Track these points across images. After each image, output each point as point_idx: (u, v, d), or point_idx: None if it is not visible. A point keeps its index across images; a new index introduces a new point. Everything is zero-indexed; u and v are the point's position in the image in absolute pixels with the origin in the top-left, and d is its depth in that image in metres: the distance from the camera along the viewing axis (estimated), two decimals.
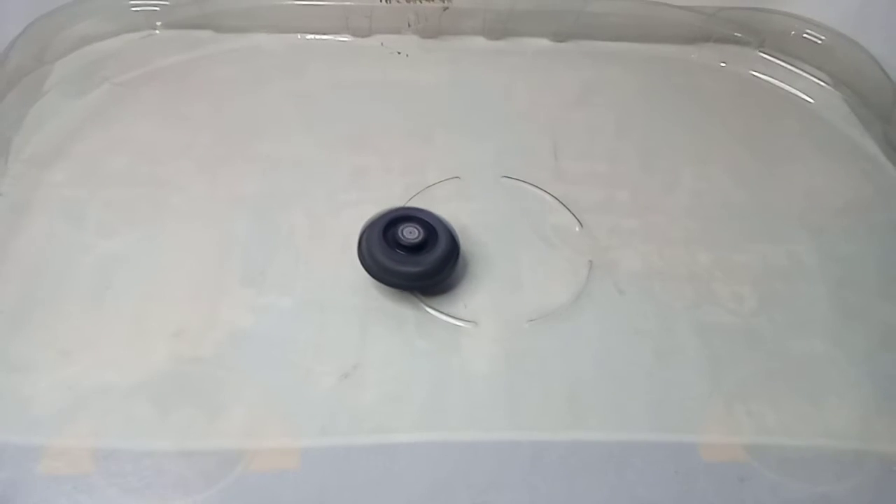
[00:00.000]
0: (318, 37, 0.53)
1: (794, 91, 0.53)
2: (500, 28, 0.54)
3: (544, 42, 0.55)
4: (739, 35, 0.54)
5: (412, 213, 0.37)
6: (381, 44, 0.53)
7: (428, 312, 0.37)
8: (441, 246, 0.36)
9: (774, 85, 0.53)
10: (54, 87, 0.47)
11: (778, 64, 0.54)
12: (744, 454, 0.33)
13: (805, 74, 0.53)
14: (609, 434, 0.33)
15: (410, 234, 0.36)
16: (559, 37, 0.55)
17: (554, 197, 0.43)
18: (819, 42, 0.53)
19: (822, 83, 0.53)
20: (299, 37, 0.53)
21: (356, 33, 0.53)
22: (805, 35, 0.54)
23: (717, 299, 0.38)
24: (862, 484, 0.32)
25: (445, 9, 0.52)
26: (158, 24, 0.52)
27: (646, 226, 0.42)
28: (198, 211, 0.41)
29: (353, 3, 0.52)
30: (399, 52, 0.53)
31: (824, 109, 0.51)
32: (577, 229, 0.41)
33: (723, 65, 0.54)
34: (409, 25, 0.53)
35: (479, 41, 0.54)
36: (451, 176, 0.44)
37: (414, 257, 0.36)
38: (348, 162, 0.44)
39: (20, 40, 0.47)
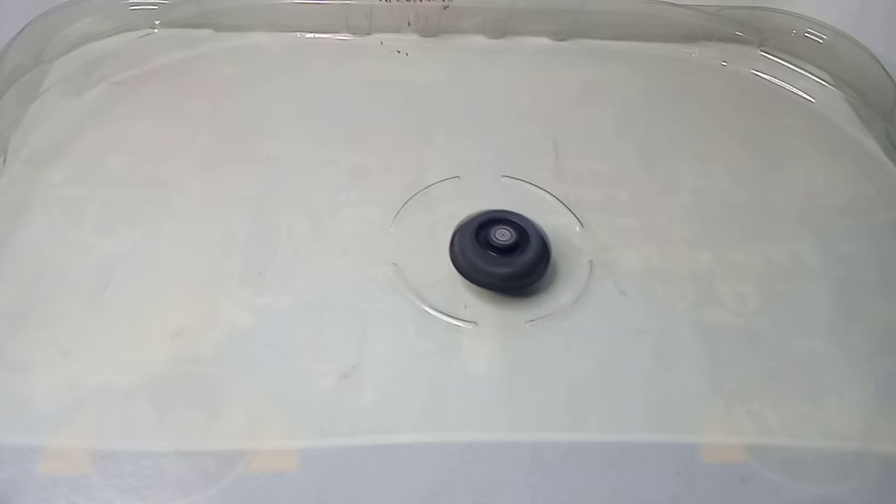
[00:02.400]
0: (317, 35, 0.53)
1: (795, 90, 0.52)
2: (501, 27, 0.54)
3: (545, 41, 0.55)
4: (740, 34, 0.54)
5: (505, 216, 0.38)
6: (381, 43, 0.53)
7: (428, 312, 0.37)
8: (532, 249, 0.36)
9: (775, 84, 0.53)
10: (53, 87, 0.47)
11: (779, 63, 0.53)
12: (745, 455, 0.32)
13: (806, 74, 0.53)
14: (609, 434, 0.33)
15: (503, 235, 0.37)
16: (559, 35, 0.55)
17: (554, 196, 0.43)
18: (820, 41, 0.53)
19: (823, 82, 0.52)
20: (299, 35, 0.53)
21: (356, 32, 0.53)
22: (806, 34, 0.53)
23: (718, 299, 0.38)
24: (864, 484, 0.32)
25: (445, 7, 0.52)
26: (157, 22, 0.52)
27: (646, 225, 0.42)
28: (197, 210, 0.41)
29: (352, 2, 0.52)
30: (399, 51, 0.53)
31: (826, 109, 0.51)
32: (577, 229, 0.41)
33: (724, 64, 0.54)
34: (408, 24, 0.53)
35: (480, 40, 0.54)
36: (451, 175, 0.44)
37: (505, 259, 0.36)
38: (347, 161, 0.44)
39: (18, 39, 0.47)
